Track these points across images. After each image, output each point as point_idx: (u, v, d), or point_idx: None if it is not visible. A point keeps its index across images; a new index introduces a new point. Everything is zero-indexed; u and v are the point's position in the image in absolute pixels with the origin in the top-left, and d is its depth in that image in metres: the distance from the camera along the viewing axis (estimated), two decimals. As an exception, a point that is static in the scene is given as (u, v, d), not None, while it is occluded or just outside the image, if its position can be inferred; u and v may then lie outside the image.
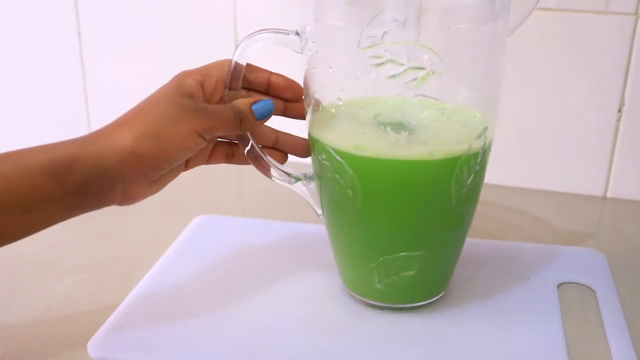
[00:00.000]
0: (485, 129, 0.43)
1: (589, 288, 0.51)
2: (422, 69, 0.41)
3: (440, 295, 0.49)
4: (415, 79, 0.42)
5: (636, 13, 0.63)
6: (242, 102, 0.45)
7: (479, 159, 0.44)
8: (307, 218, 0.62)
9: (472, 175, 0.44)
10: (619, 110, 0.66)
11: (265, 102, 0.46)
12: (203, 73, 0.45)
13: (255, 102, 0.45)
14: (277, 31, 0.45)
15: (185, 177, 0.73)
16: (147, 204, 0.67)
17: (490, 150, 0.45)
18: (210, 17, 0.74)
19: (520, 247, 0.57)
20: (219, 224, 0.60)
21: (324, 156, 0.45)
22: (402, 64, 0.42)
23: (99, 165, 0.41)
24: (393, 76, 0.42)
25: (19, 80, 0.84)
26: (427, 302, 0.48)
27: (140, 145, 0.41)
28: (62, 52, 0.81)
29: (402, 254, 0.45)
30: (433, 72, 0.41)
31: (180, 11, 0.75)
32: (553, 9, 0.64)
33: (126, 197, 0.44)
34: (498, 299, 0.49)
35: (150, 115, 0.43)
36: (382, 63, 0.42)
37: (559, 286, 0.51)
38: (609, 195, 0.69)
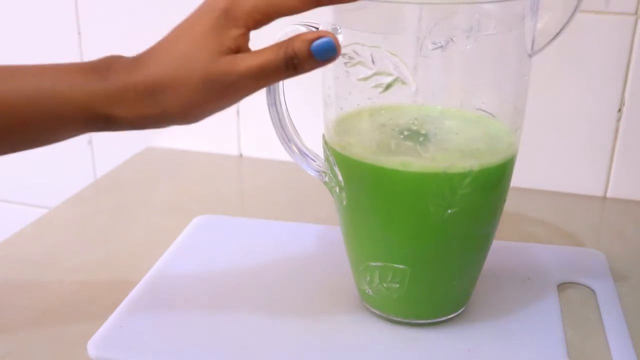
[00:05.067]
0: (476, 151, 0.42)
1: (589, 288, 0.51)
2: (390, 75, 0.41)
3: (446, 318, 0.47)
4: (382, 84, 0.41)
5: (636, 13, 0.63)
6: (300, 40, 0.37)
7: (465, 181, 0.41)
8: (307, 218, 0.62)
9: (457, 198, 0.41)
10: (619, 110, 0.66)
11: (327, 39, 0.37)
12: (257, 16, 0.38)
13: (315, 39, 0.37)
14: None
15: (185, 177, 0.74)
16: (147, 204, 0.67)
17: (482, 178, 0.42)
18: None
19: (520, 247, 0.57)
20: (219, 224, 0.60)
21: (327, 149, 0.45)
22: (370, 68, 0.41)
23: (134, 126, 0.40)
24: (363, 79, 0.41)
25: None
26: (429, 321, 0.47)
27: (171, 116, 0.39)
28: (62, 52, 0.81)
29: (384, 264, 0.44)
30: (401, 81, 0.41)
31: (180, 11, 0.75)
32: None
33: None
34: (498, 299, 0.49)
35: (182, 87, 0.38)
36: (354, 64, 0.41)
37: (559, 286, 0.51)
38: (609, 195, 0.69)
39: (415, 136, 0.42)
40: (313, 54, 0.37)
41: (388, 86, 0.41)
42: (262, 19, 0.39)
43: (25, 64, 0.40)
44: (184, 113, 0.39)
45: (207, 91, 0.38)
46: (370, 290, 0.46)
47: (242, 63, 0.38)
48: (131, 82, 0.39)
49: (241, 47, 0.39)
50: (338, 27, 0.42)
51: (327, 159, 0.46)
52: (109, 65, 0.40)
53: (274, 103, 0.47)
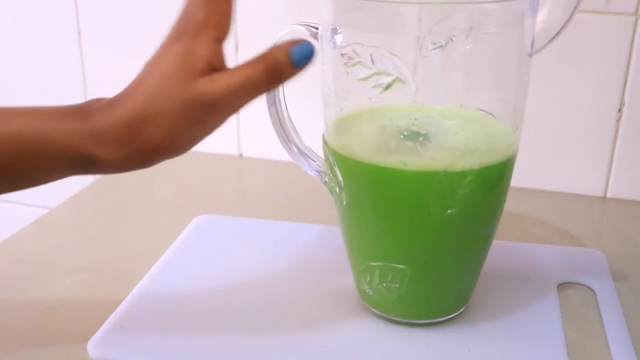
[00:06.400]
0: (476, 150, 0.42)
1: (589, 288, 0.51)
2: (390, 75, 0.41)
3: (446, 318, 0.47)
4: (382, 84, 0.41)
5: (636, 13, 0.63)
6: (277, 50, 0.38)
7: (465, 180, 0.41)
8: (307, 218, 0.62)
9: (457, 198, 0.41)
10: (619, 110, 0.66)
11: (305, 43, 0.38)
12: (212, 21, 0.38)
13: (293, 46, 0.37)
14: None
15: (185, 177, 0.74)
16: (147, 204, 0.67)
17: (482, 178, 0.42)
18: (210, 17, 0.74)
19: (520, 247, 0.57)
20: (219, 224, 0.60)
21: (327, 149, 0.45)
22: (370, 68, 0.41)
23: (119, 167, 0.39)
24: (363, 79, 0.41)
25: (19, 80, 0.85)
26: (429, 321, 0.47)
27: (154, 152, 0.38)
28: (62, 52, 0.81)
29: (384, 264, 0.44)
30: (401, 81, 0.41)
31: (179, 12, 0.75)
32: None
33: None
34: (498, 299, 0.49)
35: (162, 118, 0.37)
36: (354, 64, 0.41)
37: (559, 286, 0.51)
38: (609, 195, 0.69)
39: (415, 136, 0.42)
40: (293, 61, 0.37)
41: (388, 86, 0.41)
42: (220, 21, 0.38)
43: (5, 106, 0.39)
44: (169, 144, 0.38)
45: (188, 116, 0.38)
46: (370, 290, 0.46)
47: (221, 82, 0.37)
48: (110, 121, 0.38)
49: (215, 63, 0.38)
50: (338, 27, 0.42)
51: (327, 159, 0.46)
52: (88, 106, 0.39)
53: (274, 103, 0.47)
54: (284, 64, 0.37)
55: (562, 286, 0.52)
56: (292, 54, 0.37)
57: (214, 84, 0.37)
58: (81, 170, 0.39)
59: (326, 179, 0.47)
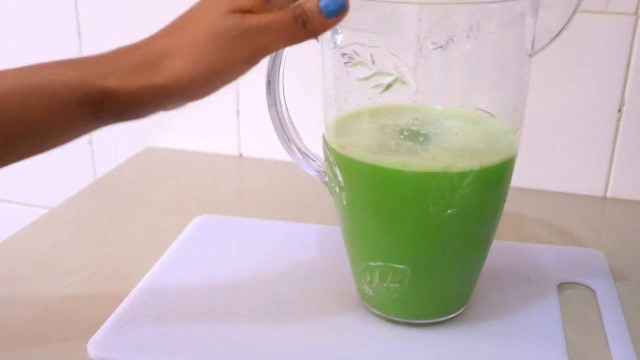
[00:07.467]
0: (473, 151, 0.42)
1: (589, 288, 0.51)
2: (390, 75, 0.41)
3: (446, 318, 0.47)
4: (382, 84, 0.41)
5: (636, 13, 0.63)
6: (309, 0, 0.39)
7: (465, 181, 0.41)
8: (307, 218, 0.62)
9: (456, 198, 0.41)
10: (619, 110, 0.66)
11: None
12: None
13: None
14: None
15: (185, 177, 0.74)
16: (147, 204, 0.67)
17: (482, 178, 0.42)
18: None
19: (520, 247, 0.57)
20: (219, 224, 0.60)
21: (327, 149, 0.45)
22: (370, 68, 0.41)
23: (132, 104, 0.38)
24: (363, 79, 0.42)
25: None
26: (429, 321, 0.47)
27: (174, 84, 0.38)
28: (62, 52, 0.81)
29: (384, 264, 0.44)
30: (401, 81, 0.41)
31: (180, 11, 0.75)
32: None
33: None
34: (498, 299, 0.49)
35: (186, 46, 0.38)
36: (355, 64, 0.41)
37: (559, 286, 0.51)
38: (609, 195, 0.69)
39: (415, 136, 0.42)
40: (322, 10, 0.38)
41: (388, 86, 0.41)
42: None
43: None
44: (188, 74, 0.38)
45: (212, 45, 0.38)
46: (370, 290, 0.46)
47: (251, 19, 0.38)
48: (128, 54, 0.38)
49: (255, 9, 0.38)
50: (338, 27, 0.42)
51: (327, 159, 0.46)
52: (101, 53, 0.39)
53: (274, 103, 0.47)
54: (313, 12, 0.38)
55: (562, 286, 0.52)
56: (322, 4, 0.38)
57: (244, 19, 0.38)
58: (92, 112, 0.38)
59: (326, 179, 0.47)
